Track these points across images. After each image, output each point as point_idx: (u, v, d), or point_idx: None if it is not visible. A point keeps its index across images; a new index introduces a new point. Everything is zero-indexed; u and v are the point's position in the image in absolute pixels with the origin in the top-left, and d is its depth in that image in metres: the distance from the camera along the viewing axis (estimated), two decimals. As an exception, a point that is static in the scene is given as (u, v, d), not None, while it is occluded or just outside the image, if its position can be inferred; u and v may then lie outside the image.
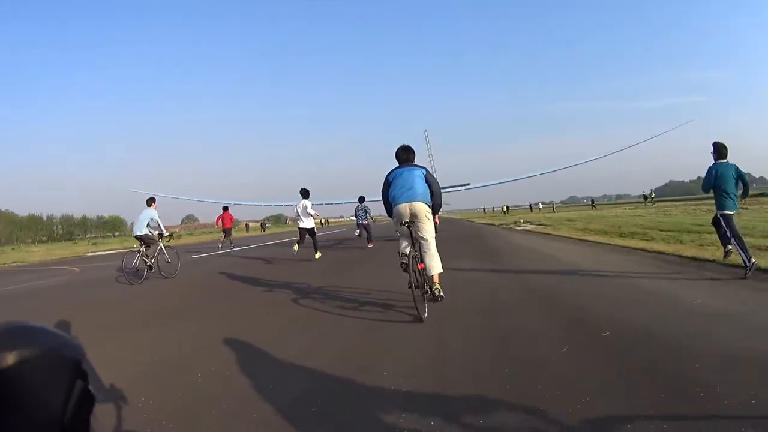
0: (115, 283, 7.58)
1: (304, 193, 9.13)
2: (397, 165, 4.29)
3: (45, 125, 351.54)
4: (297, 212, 9.17)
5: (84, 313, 4.95)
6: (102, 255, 18.24)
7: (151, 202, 8.17)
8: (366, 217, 12.46)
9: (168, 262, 8.06)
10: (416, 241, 3.97)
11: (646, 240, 8.93)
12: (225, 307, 4.80)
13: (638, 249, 7.51)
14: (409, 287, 3.69)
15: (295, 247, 9.06)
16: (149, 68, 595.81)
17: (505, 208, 56.09)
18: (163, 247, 8.04)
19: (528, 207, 65.44)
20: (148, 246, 7.72)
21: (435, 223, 4.21)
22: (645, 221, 15.10)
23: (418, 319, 3.50)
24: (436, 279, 3.97)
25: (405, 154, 4.30)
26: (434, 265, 3.95)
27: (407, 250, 3.91)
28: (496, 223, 25.93)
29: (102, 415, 2.08)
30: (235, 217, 17.10)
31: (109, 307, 5.32)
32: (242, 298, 5.26)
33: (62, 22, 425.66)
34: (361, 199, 12.77)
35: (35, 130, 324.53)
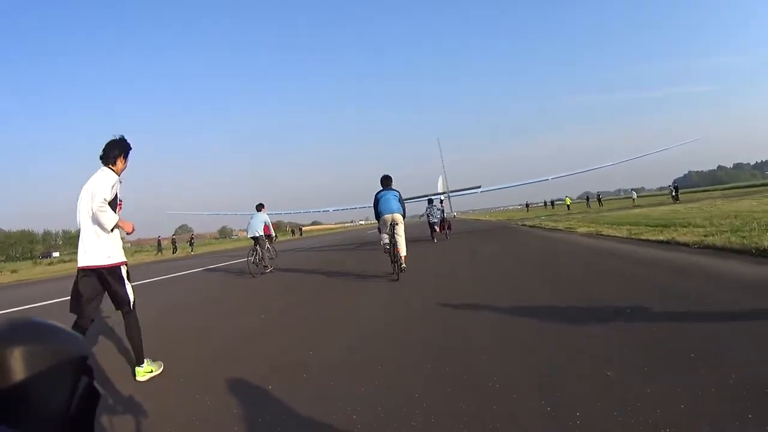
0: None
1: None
2: (382, 188, 6.82)
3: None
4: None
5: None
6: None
7: (261, 207, 9.41)
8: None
9: (271, 258, 9.77)
10: (393, 237, 6.46)
11: None
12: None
13: None
14: (391, 261, 6.53)
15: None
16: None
17: (568, 201, 43.64)
18: (269, 245, 9.70)
19: (585, 200, 45.31)
20: (260, 245, 9.15)
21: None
22: None
23: (395, 280, 6.24)
24: (403, 259, 6.46)
25: (386, 182, 6.84)
26: (402, 249, 6.47)
27: (387, 241, 6.56)
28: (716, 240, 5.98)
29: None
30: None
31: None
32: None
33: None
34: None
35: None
